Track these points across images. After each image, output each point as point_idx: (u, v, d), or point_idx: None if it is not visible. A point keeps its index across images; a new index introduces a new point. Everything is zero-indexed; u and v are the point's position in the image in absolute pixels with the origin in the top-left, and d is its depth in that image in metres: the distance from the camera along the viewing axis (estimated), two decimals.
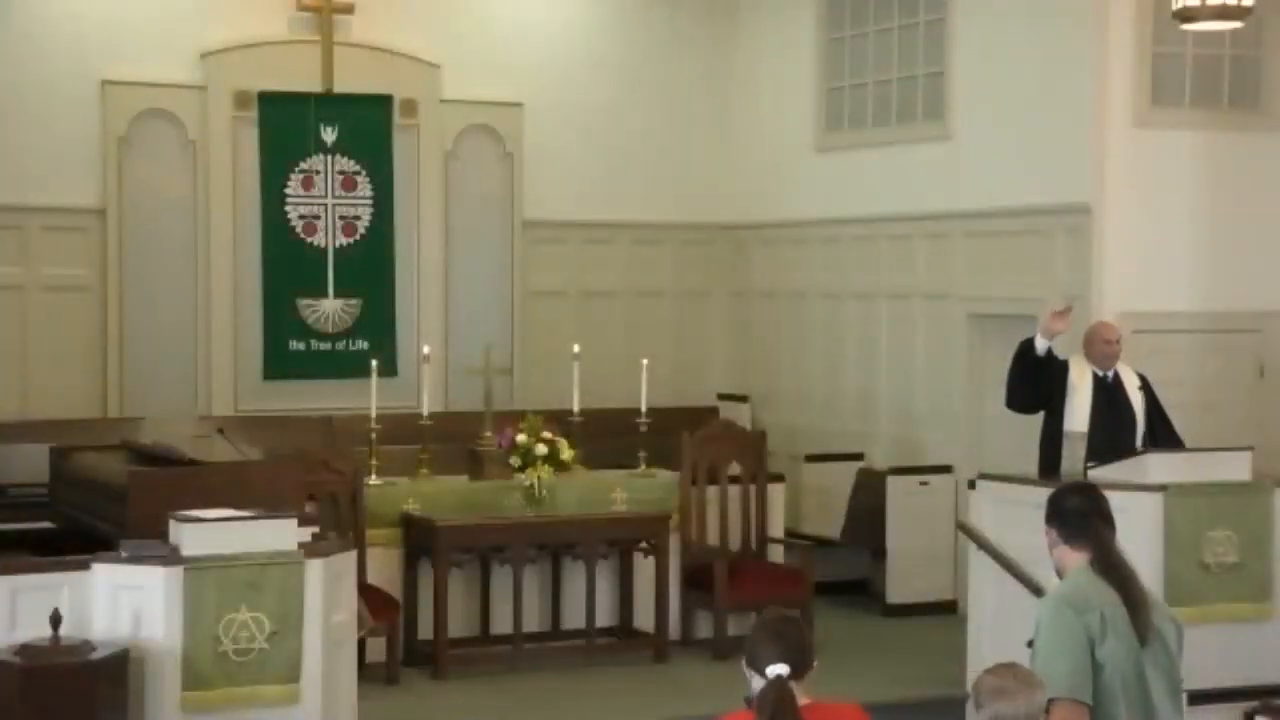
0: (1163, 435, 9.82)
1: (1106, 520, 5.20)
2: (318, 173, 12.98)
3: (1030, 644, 5.04)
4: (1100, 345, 9.79)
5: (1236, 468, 9.31)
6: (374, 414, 10.65)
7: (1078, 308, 10.87)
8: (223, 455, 9.13)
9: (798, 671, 4.51)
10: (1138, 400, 9.81)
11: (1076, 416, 9.67)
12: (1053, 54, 11.14)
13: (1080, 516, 5.17)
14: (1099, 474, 9.55)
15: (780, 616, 4.66)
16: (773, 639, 4.55)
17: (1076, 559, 5.13)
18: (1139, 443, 9.65)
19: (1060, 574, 5.23)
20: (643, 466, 11.24)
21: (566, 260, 13.90)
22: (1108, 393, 9.77)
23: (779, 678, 4.46)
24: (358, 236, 13.11)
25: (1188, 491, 9.00)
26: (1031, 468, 10.86)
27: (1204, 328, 10.98)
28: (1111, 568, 5.08)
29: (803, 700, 4.50)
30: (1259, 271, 11.09)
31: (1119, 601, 5.00)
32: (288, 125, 12.87)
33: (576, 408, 11.13)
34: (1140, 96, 10.85)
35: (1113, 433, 9.65)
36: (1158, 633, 5.04)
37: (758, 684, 4.51)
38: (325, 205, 13.02)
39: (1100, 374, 9.79)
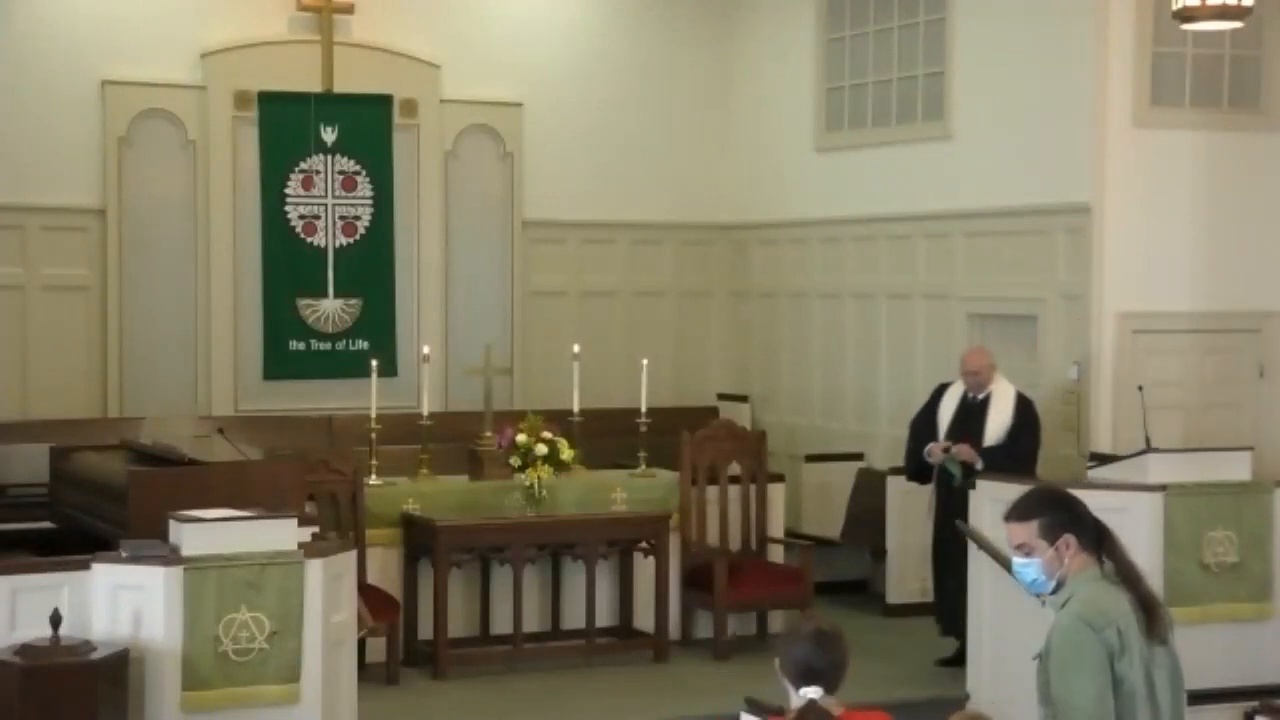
0: (1004, 455, 10.09)
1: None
2: (318, 173, 12.97)
3: (1038, 658, 4.86)
4: (964, 375, 10.40)
5: (1236, 468, 9.32)
6: (374, 414, 10.65)
7: (1078, 307, 10.89)
8: (223, 455, 9.13)
9: (832, 689, 4.56)
10: (999, 423, 10.21)
11: (940, 431, 10.36)
12: (1053, 54, 11.14)
13: (1094, 522, 4.93)
14: (1099, 474, 9.57)
15: (816, 630, 4.60)
16: (810, 658, 4.55)
17: (1081, 566, 4.88)
18: (978, 465, 10.04)
19: (1059, 584, 4.92)
20: (643, 466, 11.24)
21: (566, 260, 13.90)
22: (968, 413, 10.29)
23: (812, 702, 4.50)
24: (358, 236, 13.11)
25: (1188, 491, 9.01)
26: None
27: (1204, 328, 10.98)
28: (1129, 571, 4.87)
29: (837, 710, 4.53)
30: (1259, 271, 11.08)
31: (1129, 608, 4.83)
32: (288, 125, 12.87)
33: (576, 408, 11.13)
34: (1140, 96, 10.84)
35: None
36: (1171, 630, 4.92)
37: (789, 690, 4.54)
38: (325, 205, 13.02)
39: (970, 395, 10.34)
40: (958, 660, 10.01)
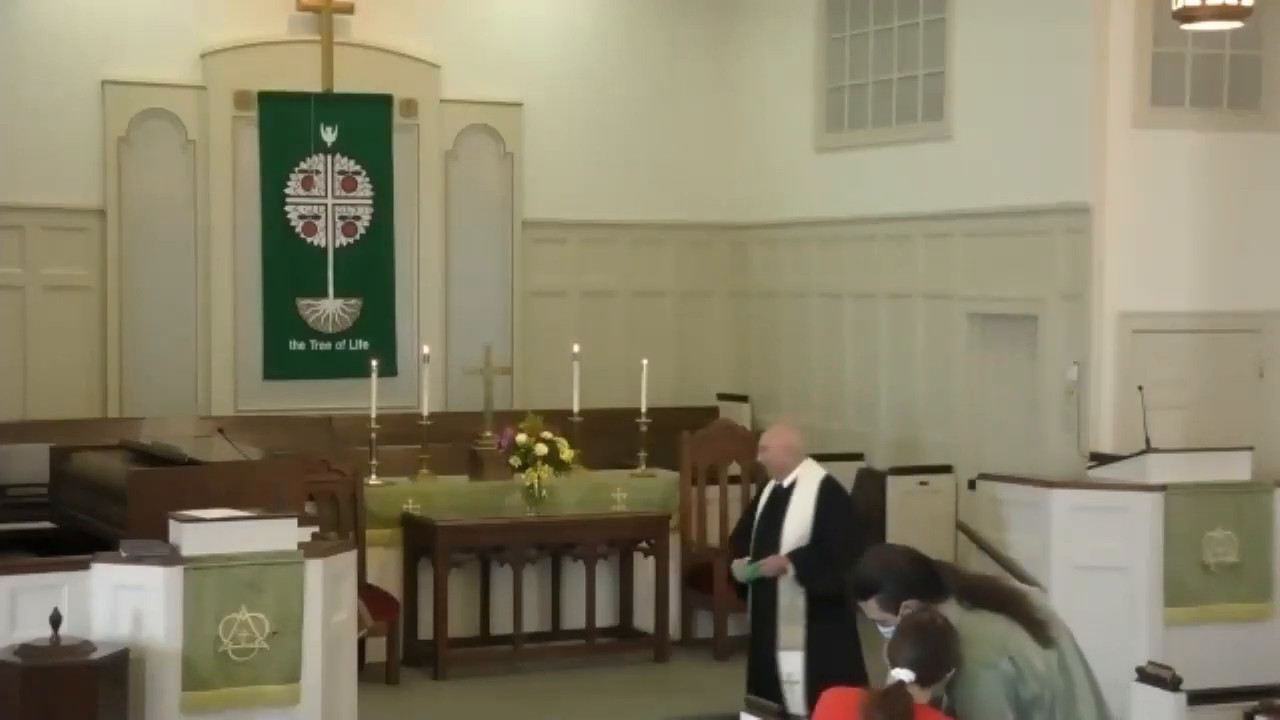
0: (814, 557, 8.24)
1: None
2: (318, 173, 12.98)
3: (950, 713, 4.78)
4: (759, 455, 8.71)
5: (1236, 468, 9.33)
6: (374, 414, 10.65)
7: (1078, 307, 10.88)
8: (223, 455, 9.12)
9: (924, 679, 4.60)
10: (798, 519, 8.36)
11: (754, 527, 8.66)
12: (1053, 54, 11.14)
13: (925, 571, 4.89)
14: (1099, 474, 9.58)
15: (928, 622, 4.68)
16: (908, 643, 4.63)
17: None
18: (782, 549, 8.26)
19: None
20: (643, 466, 11.24)
21: (566, 260, 13.90)
22: (775, 503, 8.55)
23: (900, 684, 4.58)
24: (358, 236, 13.11)
25: (1188, 491, 9.02)
26: (1029, 468, 10.88)
27: (1204, 328, 10.98)
28: (986, 595, 4.85)
29: (920, 699, 4.59)
30: (1259, 271, 11.08)
31: (1010, 623, 4.78)
32: (288, 125, 12.87)
33: (576, 408, 11.13)
34: (1140, 96, 10.84)
35: (762, 542, 8.43)
36: (1054, 620, 4.88)
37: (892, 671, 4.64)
38: (325, 205, 13.02)
39: (778, 483, 8.54)
40: None
